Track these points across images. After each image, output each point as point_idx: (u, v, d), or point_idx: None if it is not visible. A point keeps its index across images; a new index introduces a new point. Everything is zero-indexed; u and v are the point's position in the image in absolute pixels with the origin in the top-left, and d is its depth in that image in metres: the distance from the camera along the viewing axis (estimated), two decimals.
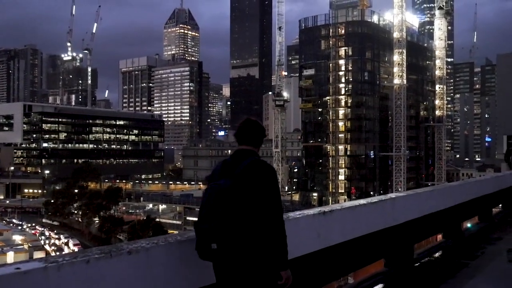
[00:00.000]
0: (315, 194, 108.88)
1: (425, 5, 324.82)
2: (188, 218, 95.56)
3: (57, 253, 67.40)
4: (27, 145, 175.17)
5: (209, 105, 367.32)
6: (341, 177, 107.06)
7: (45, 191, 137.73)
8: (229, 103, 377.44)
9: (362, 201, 5.57)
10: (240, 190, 3.20)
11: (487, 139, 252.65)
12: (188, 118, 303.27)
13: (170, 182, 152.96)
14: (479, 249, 8.42)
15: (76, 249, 73.55)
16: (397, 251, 6.45)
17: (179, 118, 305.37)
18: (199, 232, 3.23)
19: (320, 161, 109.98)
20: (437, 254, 7.89)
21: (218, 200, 3.17)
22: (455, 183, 9.74)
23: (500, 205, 13.91)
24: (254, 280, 3.22)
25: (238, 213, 3.16)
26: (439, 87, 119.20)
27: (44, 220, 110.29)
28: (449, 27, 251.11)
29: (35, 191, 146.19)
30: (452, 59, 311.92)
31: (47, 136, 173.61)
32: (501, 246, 8.86)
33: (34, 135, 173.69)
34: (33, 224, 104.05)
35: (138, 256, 3.00)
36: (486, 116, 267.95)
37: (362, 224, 5.43)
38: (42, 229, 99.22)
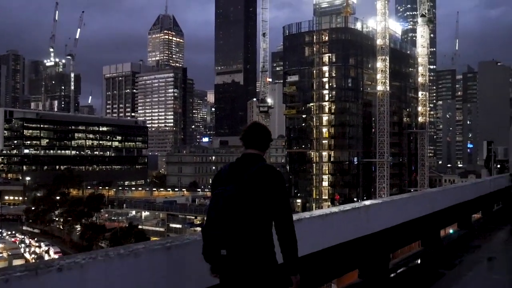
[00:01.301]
0: (299, 200, 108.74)
1: (408, 13, 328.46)
2: (171, 225, 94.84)
3: (37, 261, 66.22)
4: (8, 151, 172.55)
5: (194, 111, 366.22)
6: (325, 183, 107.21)
7: (26, 198, 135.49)
8: (213, 109, 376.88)
9: (333, 209, 5.31)
10: (249, 196, 3.17)
11: (469, 145, 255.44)
12: (172, 124, 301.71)
13: (154, 189, 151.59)
14: (457, 258, 8.22)
15: (56, 257, 72.21)
16: (371, 261, 6.19)
17: (163, 124, 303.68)
18: (207, 238, 3.20)
19: (304, 167, 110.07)
20: (414, 263, 7.65)
21: (227, 206, 3.14)
22: (433, 189, 9.54)
23: (480, 211, 13.80)
24: (264, 286, 3.18)
25: (248, 219, 3.14)
26: (422, 94, 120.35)
27: (24, 228, 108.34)
28: (432, 35, 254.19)
29: (16, 198, 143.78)
30: (434, 66, 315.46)
31: (28, 142, 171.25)
32: (479, 254, 8.68)
33: (15, 141, 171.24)
34: (13, 232, 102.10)
35: (70, 273, 2.64)
36: (468, 122, 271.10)
37: (333, 233, 5.17)
38: (22, 236, 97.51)
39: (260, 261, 3.16)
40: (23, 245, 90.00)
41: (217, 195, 3.23)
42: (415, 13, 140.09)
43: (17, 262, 70.04)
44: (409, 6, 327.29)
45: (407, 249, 8.92)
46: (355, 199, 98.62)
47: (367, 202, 6.25)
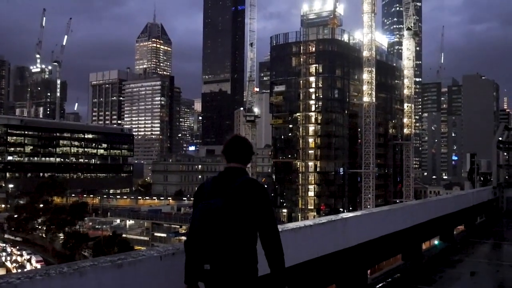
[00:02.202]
0: (284, 210, 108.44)
1: (394, 26, 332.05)
2: (156, 234, 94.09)
3: (19, 270, 65.22)
4: None
5: (180, 119, 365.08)
6: (311, 193, 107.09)
7: (8, 206, 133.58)
8: (200, 118, 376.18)
9: (308, 222, 5.09)
10: (233, 209, 3.14)
11: (454, 157, 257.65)
12: (158, 132, 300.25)
13: (139, 197, 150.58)
14: (438, 273, 8.02)
15: (39, 266, 71.22)
16: (349, 276, 5.96)
17: (149, 133, 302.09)
18: (190, 252, 3.16)
19: (290, 177, 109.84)
20: (393, 278, 7.42)
21: (211, 220, 3.09)
22: (414, 202, 9.35)
23: (463, 224, 13.67)
24: None
25: (232, 233, 3.10)
26: (407, 106, 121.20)
27: (6, 236, 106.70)
28: (418, 48, 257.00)
29: None
30: (420, 79, 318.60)
31: (12, 149, 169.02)
32: (461, 269, 8.48)
33: None
34: None
35: None
36: (453, 135, 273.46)
37: (307, 247, 4.94)
38: (4, 245, 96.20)
39: (243, 275, 3.12)
40: (4, 253, 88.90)
41: (200, 209, 3.18)
42: (401, 26, 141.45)
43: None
44: (395, 19, 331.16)
45: (392, 261, 8.73)
46: (340, 209, 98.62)
47: (344, 215, 6.03)
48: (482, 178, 23.40)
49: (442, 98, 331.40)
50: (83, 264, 2.83)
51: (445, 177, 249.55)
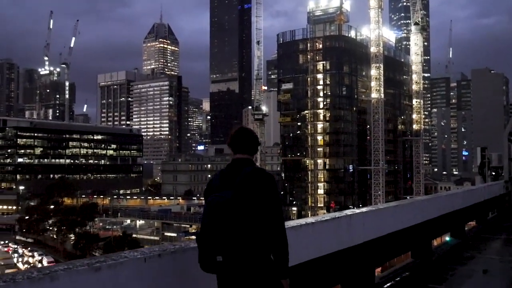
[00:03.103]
0: (294, 208, 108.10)
1: (401, 22, 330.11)
2: (166, 233, 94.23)
3: None
4: (2, 160, 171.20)
5: (189, 119, 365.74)
6: (320, 191, 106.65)
7: (19, 207, 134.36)
8: (209, 117, 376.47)
9: (310, 220, 4.82)
10: (242, 200, 3.15)
11: (464, 152, 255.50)
12: (167, 132, 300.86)
13: (149, 197, 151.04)
14: (449, 271, 7.71)
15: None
16: (355, 276, 5.68)
17: (158, 133, 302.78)
18: (203, 245, 3.17)
19: (299, 175, 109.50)
20: (402, 277, 7.11)
21: (221, 212, 3.12)
22: (423, 197, 9.00)
23: (474, 220, 13.31)
24: None
25: (242, 224, 3.12)
26: (416, 101, 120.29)
27: (17, 237, 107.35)
28: (425, 43, 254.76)
29: (9, 207, 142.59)
30: (428, 74, 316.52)
31: (22, 151, 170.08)
32: (473, 266, 8.16)
33: (9, 150, 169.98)
34: (6, 241, 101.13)
35: None
36: (463, 130, 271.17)
37: (309, 246, 4.66)
38: (16, 246, 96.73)
39: (254, 265, 3.14)
40: (16, 254, 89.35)
41: (210, 202, 3.21)
42: (409, 21, 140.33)
43: (9, 272, 69.30)
44: (402, 14, 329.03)
45: (404, 257, 8.45)
46: (350, 206, 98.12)
47: (349, 212, 5.76)
48: (493, 172, 22.97)
49: (451, 93, 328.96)
50: (56, 268, 2.61)
51: (455, 172, 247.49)
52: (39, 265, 79.54)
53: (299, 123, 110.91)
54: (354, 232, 5.56)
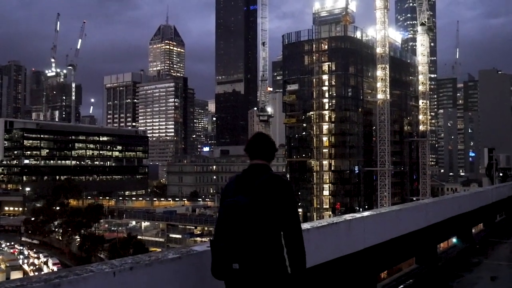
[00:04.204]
0: (300, 210, 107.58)
1: (408, 22, 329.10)
2: (171, 235, 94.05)
3: (36, 273, 65.64)
4: (8, 161, 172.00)
5: (195, 121, 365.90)
6: (326, 192, 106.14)
7: (25, 209, 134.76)
8: (214, 118, 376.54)
9: (305, 226, 4.50)
10: (259, 206, 3.09)
11: (471, 153, 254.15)
12: (173, 134, 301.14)
13: (154, 199, 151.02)
14: (455, 278, 7.36)
15: (55, 268, 71.59)
16: (355, 284, 5.37)
17: (164, 134, 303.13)
18: (218, 252, 3.09)
19: (305, 176, 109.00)
20: (406, 285, 6.77)
21: (237, 217, 3.06)
22: (428, 200, 8.66)
23: (482, 223, 12.93)
24: None
25: (259, 230, 3.06)
26: (423, 102, 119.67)
27: (23, 239, 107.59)
28: (432, 44, 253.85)
29: (15, 208, 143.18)
30: (435, 75, 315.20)
31: (28, 152, 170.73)
32: (480, 273, 7.80)
33: (15, 152, 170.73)
34: (12, 243, 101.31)
35: None
36: (470, 131, 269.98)
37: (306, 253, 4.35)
38: (21, 248, 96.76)
39: (273, 273, 3.05)
40: (21, 256, 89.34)
41: (226, 207, 3.13)
42: (415, 22, 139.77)
43: (15, 274, 69.49)
44: (409, 15, 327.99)
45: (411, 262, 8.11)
46: (356, 208, 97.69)
47: (348, 217, 5.44)
48: (501, 174, 22.53)
49: (458, 94, 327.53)
50: (7, 285, 2.31)
51: (462, 174, 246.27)
52: (45, 267, 79.72)
53: (304, 124, 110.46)
54: (354, 238, 5.25)
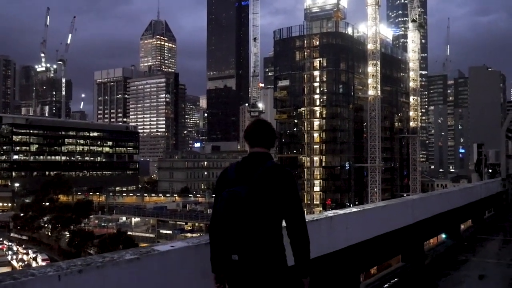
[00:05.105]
0: None
1: (399, 19, 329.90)
2: (161, 231, 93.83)
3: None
4: None
5: (186, 116, 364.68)
6: (317, 188, 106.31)
7: (14, 205, 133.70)
8: (206, 114, 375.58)
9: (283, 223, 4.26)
10: (260, 197, 3.00)
11: (461, 150, 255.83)
12: (164, 129, 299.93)
13: (145, 195, 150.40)
14: (442, 276, 7.17)
15: (44, 264, 70.87)
16: (337, 284, 5.14)
17: (155, 130, 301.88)
18: (216, 242, 3.08)
19: (296, 172, 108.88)
20: (390, 284, 6.56)
21: (238, 209, 2.96)
22: (415, 196, 8.44)
23: (470, 220, 12.79)
24: None
25: (260, 221, 2.98)
26: (413, 99, 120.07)
27: (12, 234, 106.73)
28: (423, 41, 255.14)
29: (4, 204, 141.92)
30: (426, 72, 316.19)
31: (17, 148, 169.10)
32: (468, 271, 7.62)
33: (4, 147, 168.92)
34: (1, 239, 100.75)
35: None
36: (460, 127, 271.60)
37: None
38: (10, 243, 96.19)
39: (273, 265, 2.99)
40: (10, 252, 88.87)
41: (224, 198, 3.01)
42: (406, 19, 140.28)
43: (3, 269, 68.71)
44: (400, 12, 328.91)
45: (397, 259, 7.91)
46: (347, 204, 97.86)
47: (330, 213, 5.21)
48: (490, 170, 22.45)
49: (449, 91, 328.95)
50: None
51: (452, 170, 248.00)
52: (34, 263, 79.16)
53: (295, 120, 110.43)
54: (336, 235, 5.02)
